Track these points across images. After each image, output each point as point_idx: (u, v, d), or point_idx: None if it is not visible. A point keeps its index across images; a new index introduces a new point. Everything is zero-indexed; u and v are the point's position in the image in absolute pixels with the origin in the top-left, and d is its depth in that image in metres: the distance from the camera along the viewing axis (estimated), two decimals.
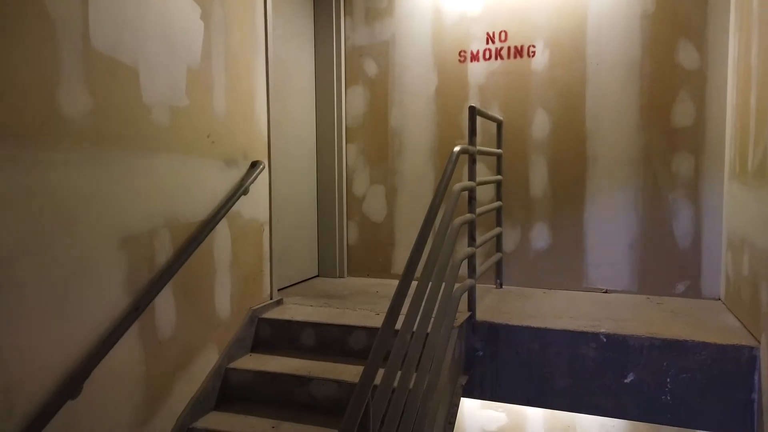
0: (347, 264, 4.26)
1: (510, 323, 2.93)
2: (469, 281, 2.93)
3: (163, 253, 2.45)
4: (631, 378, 2.72)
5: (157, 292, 2.35)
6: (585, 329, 2.81)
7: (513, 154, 3.83)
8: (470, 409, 4.03)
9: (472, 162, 2.98)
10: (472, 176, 2.97)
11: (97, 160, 2.11)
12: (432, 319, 2.31)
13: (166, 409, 2.49)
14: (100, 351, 2.09)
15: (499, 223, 3.72)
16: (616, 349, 2.74)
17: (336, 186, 4.18)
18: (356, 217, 4.24)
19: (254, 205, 3.11)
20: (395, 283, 3.74)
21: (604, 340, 2.76)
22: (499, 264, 3.76)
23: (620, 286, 3.66)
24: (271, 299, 3.28)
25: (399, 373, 2.02)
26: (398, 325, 1.99)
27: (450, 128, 3.97)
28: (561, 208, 3.76)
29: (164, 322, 2.47)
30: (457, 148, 2.67)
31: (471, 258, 2.98)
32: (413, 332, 2.12)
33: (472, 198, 2.97)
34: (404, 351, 1.97)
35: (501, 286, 3.78)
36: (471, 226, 2.98)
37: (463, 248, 2.91)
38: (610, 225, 3.66)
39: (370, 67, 4.14)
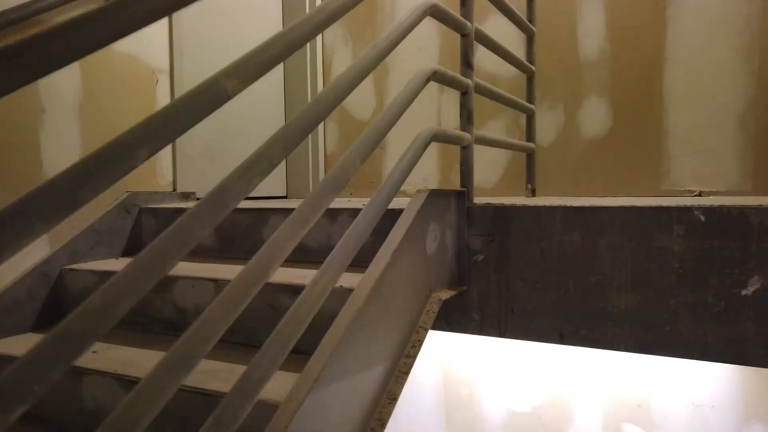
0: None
1: (530, 204, 1.72)
2: (461, 133, 1.74)
3: None
4: (757, 286, 1.43)
5: None
6: (665, 203, 1.56)
7: None
8: (493, 384, 2.79)
9: None
10: None
11: None
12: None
13: None
14: None
15: (530, 100, 2.49)
16: (726, 234, 1.46)
17: (308, 71, 3.07)
18: (335, 115, 3.11)
19: (135, 35, 2.04)
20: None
21: (702, 219, 1.49)
22: (530, 161, 2.51)
23: (723, 185, 2.33)
24: (174, 190, 2.20)
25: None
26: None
27: None
28: (626, 71, 2.48)
29: None
30: None
31: (464, 99, 1.78)
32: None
33: None
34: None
35: (533, 194, 2.53)
36: (465, 44, 1.78)
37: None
38: (705, 89, 2.34)
39: None
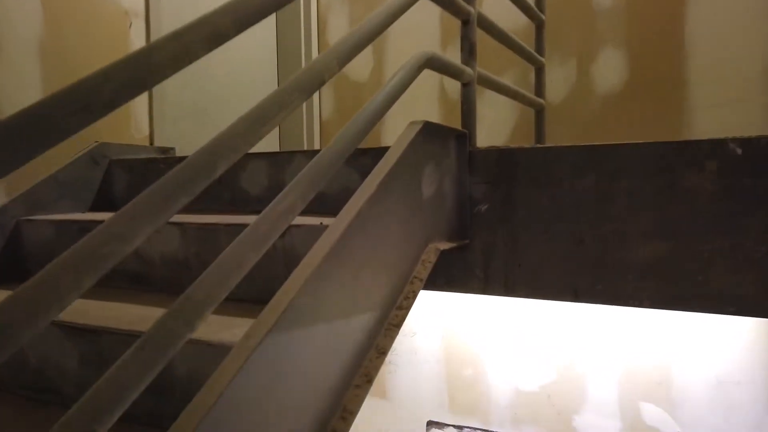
0: (320, 146, 2.96)
1: (538, 146, 1.53)
2: (461, 66, 1.55)
3: None
4: None
5: None
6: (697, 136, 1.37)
7: None
8: (499, 362, 2.60)
9: None
10: None
11: None
12: None
13: None
14: None
15: (539, 52, 2.29)
16: (766, 167, 1.27)
17: (302, 32, 2.88)
18: (332, 78, 2.92)
19: None
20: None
21: (739, 152, 1.29)
22: (539, 119, 2.32)
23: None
24: (150, 143, 2.03)
25: None
26: None
27: None
28: (645, 18, 2.28)
29: None
30: None
31: (466, 30, 1.59)
32: None
33: None
34: None
35: None
36: None
37: None
38: (730, 34, 2.14)
39: None
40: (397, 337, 2.81)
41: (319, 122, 2.95)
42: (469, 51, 1.59)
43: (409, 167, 1.29)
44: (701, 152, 1.33)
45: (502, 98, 2.45)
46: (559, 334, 2.47)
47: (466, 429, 2.58)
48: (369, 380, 1.10)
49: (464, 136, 1.58)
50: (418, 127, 1.32)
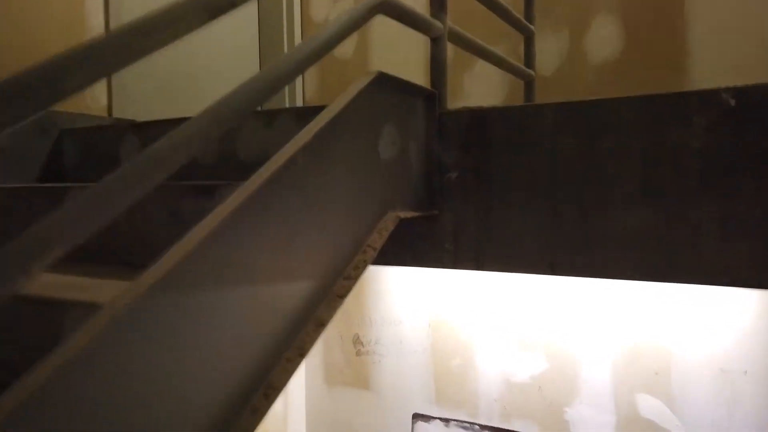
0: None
1: (514, 105, 1.39)
2: (428, 18, 1.41)
3: None
4: None
5: None
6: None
7: None
8: (488, 351, 2.45)
9: None
10: None
11: None
12: None
13: None
14: None
15: (528, 19, 2.14)
16: (765, 121, 1.12)
17: (284, 6, 2.76)
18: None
19: None
20: None
21: (733, 103, 1.14)
22: (528, 92, 2.17)
23: None
24: (109, 114, 1.91)
25: None
26: None
27: None
28: None
29: None
30: None
31: None
32: None
33: None
34: None
35: None
36: None
37: None
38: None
39: None
40: (383, 325, 2.63)
41: (302, 101, 2.83)
42: (439, 3, 1.45)
43: (359, 122, 1.16)
44: (690, 105, 1.18)
45: (489, 71, 2.30)
46: (552, 319, 2.32)
47: (453, 422, 2.44)
48: (302, 354, 0.98)
49: (433, 97, 1.44)
50: (369, 78, 1.18)
